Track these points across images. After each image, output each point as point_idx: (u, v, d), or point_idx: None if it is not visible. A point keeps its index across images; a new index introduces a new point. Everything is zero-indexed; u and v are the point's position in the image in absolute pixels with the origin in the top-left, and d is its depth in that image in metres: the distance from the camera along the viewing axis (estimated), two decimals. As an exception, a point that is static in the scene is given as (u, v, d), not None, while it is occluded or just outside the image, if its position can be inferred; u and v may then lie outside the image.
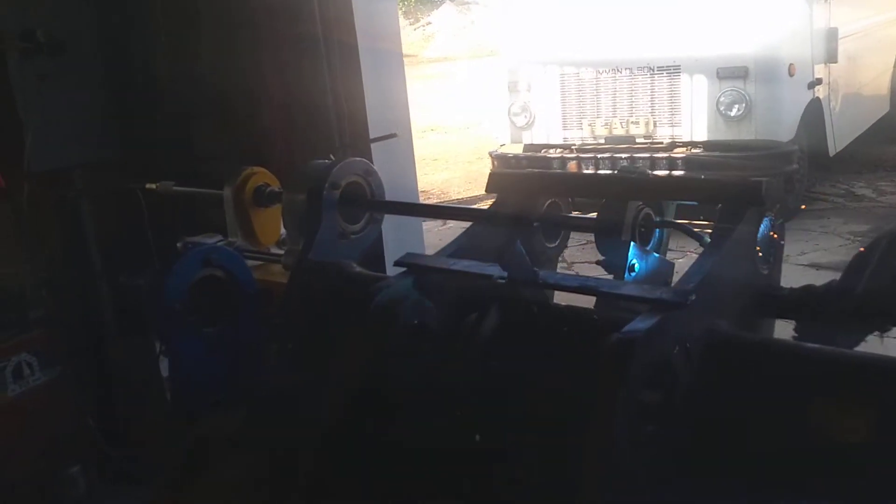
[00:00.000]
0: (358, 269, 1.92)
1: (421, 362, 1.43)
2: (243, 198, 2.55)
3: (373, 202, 2.16)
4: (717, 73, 6.86)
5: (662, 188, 1.61)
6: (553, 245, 1.91)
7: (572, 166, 7.73)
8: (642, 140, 7.39)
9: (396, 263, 1.58)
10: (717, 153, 6.94)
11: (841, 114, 7.95)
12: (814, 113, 7.39)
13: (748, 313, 1.58)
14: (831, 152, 7.84)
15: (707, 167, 6.99)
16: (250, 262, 2.65)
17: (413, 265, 1.55)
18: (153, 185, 3.06)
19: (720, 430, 1.35)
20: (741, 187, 1.53)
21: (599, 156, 7.50)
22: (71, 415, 3.64)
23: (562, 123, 7.75)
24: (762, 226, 1.57)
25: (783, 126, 6.95)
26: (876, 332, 1.51)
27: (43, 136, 4.08)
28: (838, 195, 8.00)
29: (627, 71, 7.32)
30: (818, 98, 7.39)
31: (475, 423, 1.35)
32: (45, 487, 3.66)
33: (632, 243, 1.65)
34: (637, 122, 7.35)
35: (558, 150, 7.86)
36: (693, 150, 7.14)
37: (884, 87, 9.73)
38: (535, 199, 1.84)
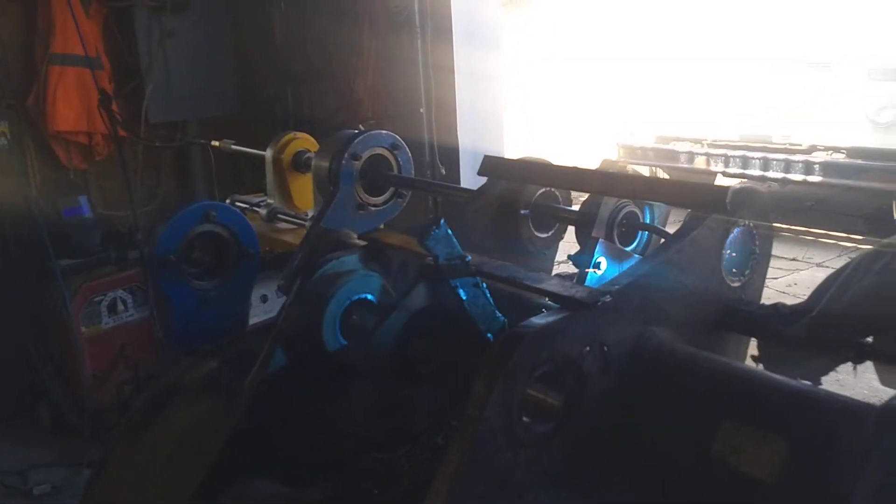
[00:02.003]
0: (354, 240, 1.97)
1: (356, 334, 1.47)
2: (282, 162, 2.67)
3: (392, 177, 2.21)
4: (869, 73, 6.30)
5: (632, 187, 1.54)
6: (545, 235, 1.88)
7: (700, 162, 7.41)
8: (780, 140, 6.95)
9: (360, 237, 1.63)
10: (859, 161, 6.41)
11: None
12: (980, 125, 6.62)
13: (710, 326, 1.50)
14: None
15: (846, 174, 6.48)
16: (286, 226, 2.78)
17: (370, 239, 1.59)
18: (217, 143, 3.25)
19: (627, 440, 1.30)
20: (705, 192, 1.44)
21: (730, 153, 7.14)
22: (158, 351, 3.97)
23: (694, 116, 7.42)
24: (732, 235, 1.48)
25: (939, 137, 6.29)
26: (849, 362, 1.39)
27: (162, 90, 4.43)
28: None
29: (772, 64, 6.88)
30: None
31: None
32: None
33: (599, 241, 1.60)
34: (775, 121, 6.91)
35: (688, 143, 7.55)
36: (834, 155, 6.63)
37: None
38: (523, 187, 1.81)
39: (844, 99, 6.48)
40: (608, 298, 1.26)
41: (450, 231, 1.34)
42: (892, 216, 6.69)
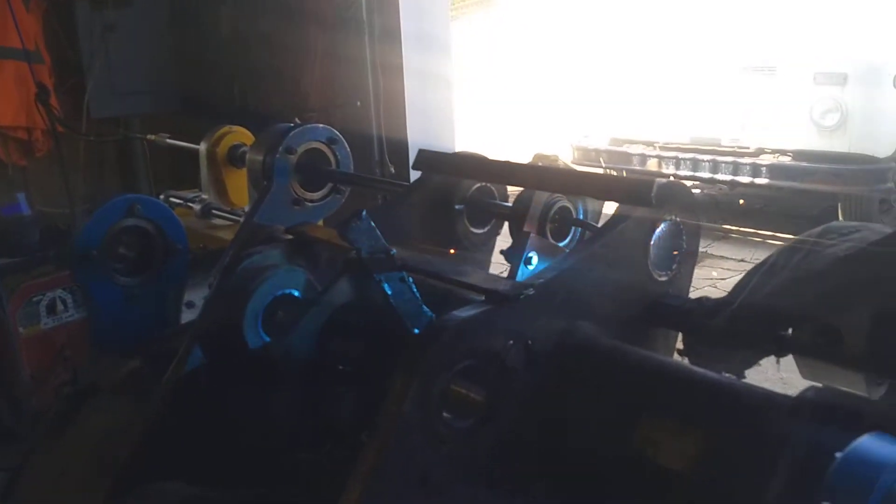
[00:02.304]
0: (283, 235, 1.94)
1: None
2: (217, 156, 2.62)
3: (329, 171, 2.18)
4: (815, 77, 6.44)
5: (561, 181, 1.54)
6: (481, 231, 1.87)
7: (652, 164, 7.50)
8: (728, 143, 7.06)
9: (286, 231, 1.59)
10: (805, 163, 6.54)
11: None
12: (922, 129, 6.81)
13: (637, 321, 1.50)
14: (942, 174, 7.21)
15: (793, 177, 6.61)
16: (221, 222, 2.73)
17: (296, 232, 1.55)
18: (153, 137, 3.18)
19: (552, 435, 1.29)
20: (631, 187, 1.44)
21: (681, 156, 7.24)
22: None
23: (647, 119, 7.51)
24: (658, 230, 1.48)
25: (882, 141, 6.45)
26: (772, 355, 1.40)
27: (104, 85, 4.33)
28: (945, 221, 7.36)
29: (720, 69, 6.99)
30: (930, 113, 6.80)
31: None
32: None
33: (530, 236, 1.59)
34: (724, 125, 7.02)
35: (641, 146, 7.64)
36: (780, 158, 6.76)
37: None
38: (458, 181, 1.80)
39: (791, 103, 6.61)
40: (531, 292, 1.25)
41: (372, 223, 1.31)
42: (838, 217, 6.85)
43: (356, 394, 1.36)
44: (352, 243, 1.31)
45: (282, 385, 1.35)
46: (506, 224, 1.84)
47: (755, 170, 6.76)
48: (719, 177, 6.97)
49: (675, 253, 1.52)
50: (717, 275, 6.14)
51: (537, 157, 1.70)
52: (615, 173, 7.89)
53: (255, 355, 1.42)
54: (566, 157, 8.19)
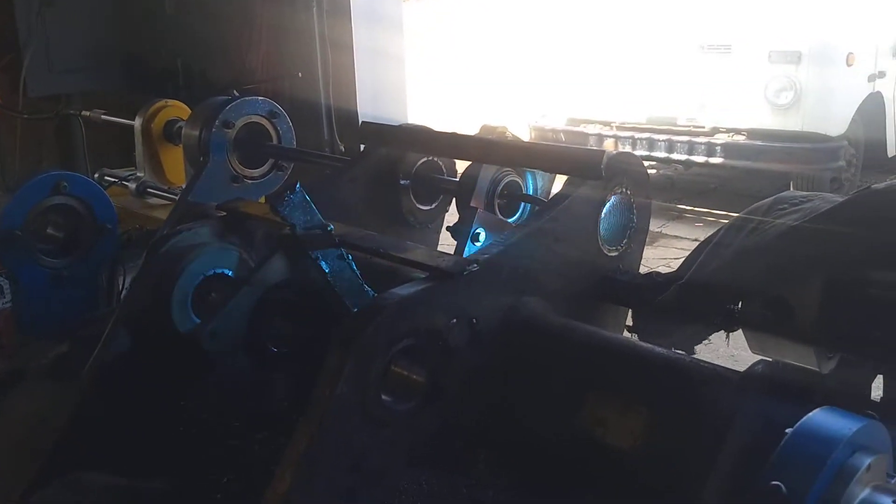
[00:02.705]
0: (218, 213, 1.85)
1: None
2: (152, 132, 2.51)
3: (269, 147, 2.09)
4: (769, 56, 6.47)
5: (509, 153, 1.48)
6: (427, 208, 1.80)
7: (608, 144, 7.50)
8: (684, 123, 7.08)
9: (218, 207, 1.51)
10: (759, 142, 6.58)
11: (907, 112, 7.41)
12: (873, 108, 6.90)
13: (586, 296, 1.45)
14: (890, 152, 7.34)
15: (747, 156, 6.65)
16: (157, 201, 2.63)
17: (229, 209, 1.47)
18: (87, 113, 3.06)
19: (497, 416, 1.24)
20: (581, 159, 1.39)
21: (637, 136, 7.23)
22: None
23: (604, 99, 7.49)
24: (608, 204, 1.43)
25: (834, 119, 6.52)
26: (721, 331, 1.37)
27: (42, 62, 4.15)
28: (893, 199, 7.49)
29: (676, 49, 6.99)
30: (879, 93, 6.89)
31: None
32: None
33: (478, 212, 1.53)
34: (680, 104, 7.03)
35: (598, 125, 7.62)
36: (735, 137, 6.79)
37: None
38: (403, 155, 1.73)
39: (746, 81, 6.64)
40: (475, 268, 1.19)
41: (307, 197, 1.24)
42: (790, 196, 6.91)
43: (292, 378, 1.29)
44: (285, 218, 1.24)
45: (212, 370, 1.28)
46: (454, 200, 1.79)
47: (710, 149, 6.78)
48: (675, 156, 6.99)
49: (626, 227, 1.48)
50: (671, 254, 6.17)
51: (484, 129, 1.63)
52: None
53: (185, 339, 1.34)
54: (523, 136, 8.16)
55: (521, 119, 8.15)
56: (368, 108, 3.78)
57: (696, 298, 1.26)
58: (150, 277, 1.36)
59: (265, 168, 2.11)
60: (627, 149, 7.27)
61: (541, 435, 1.21)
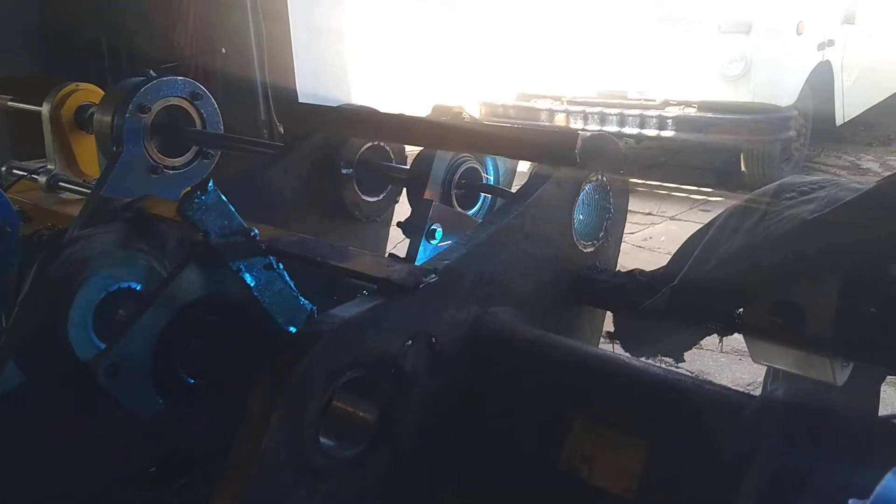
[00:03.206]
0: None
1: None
2: (62, 119, 2.24)
3: (192, 132, 1.85)
4: (719, 27, 6.36)
5: (467, 138, 1.28)
6: (374, 199, 1.59)
7: (560, 119, 7.34)
8: (635, 96, 6.95)
9: (123, 208, 1.27)
10: (710, 114, 6.49)
11: (854, 80, 7.40)
12: (822, 77, 6.87)
13: (560, 300, 1.26)
14: (839, 121, 7.33)
15: (698, 129, 6.56)
16: (71, 196, 2.36)
17: (136, 209, 1.24)
18: (-8, 99, 2.75)
19: (462, 450, 1.05)
20: (552, 141, 1.19)
21: (588, 110, 7.08)
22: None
23: (554, 73, 7.32)
24: (583, 192, 1.24)
25: (784, 89, 6.46)
26: (714, 335, 1.19)
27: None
28: (841, 167, 7.52)
29: (625, 21, 6.85)
30: (828, 61, 6.86)
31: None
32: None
33: (433, 204, 1.33)
34: (631, 77, 6.89)
35: (549, 100, 7.45)
36: (686, 110, 6.69)
37: (907, 54, 9.12)
38: (344, 141, 1.51)
39: (696, 53, 6.53)
40: (434, 278, 0.99)
41: (223, 197, 1.02)
42: (741, 168, 6.87)
43: (214, 412, 1.08)
44: (196, 224, 1.02)
45: (118, 406, 1.06)
46: (404, 191, 1.58)
47: (661, 122, 6.67)
48: (626, 130, 6.87)
49: (602, 217, 1.29)
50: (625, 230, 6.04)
51: (438, 109, 1.42)
52: (523, 129, 7.72)
53: (85, 368, 1.11)
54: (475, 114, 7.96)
55: (471, 95, 7.95)
56: (308, 85, 3.53)
57: (693, 302, 1.08)
58: (41, 295, 1.13)
59: (188, 156, 1.87)
60: (579, 123, 7.13)
61: (514, 474, 1.02)
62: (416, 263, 1.29)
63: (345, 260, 1.06)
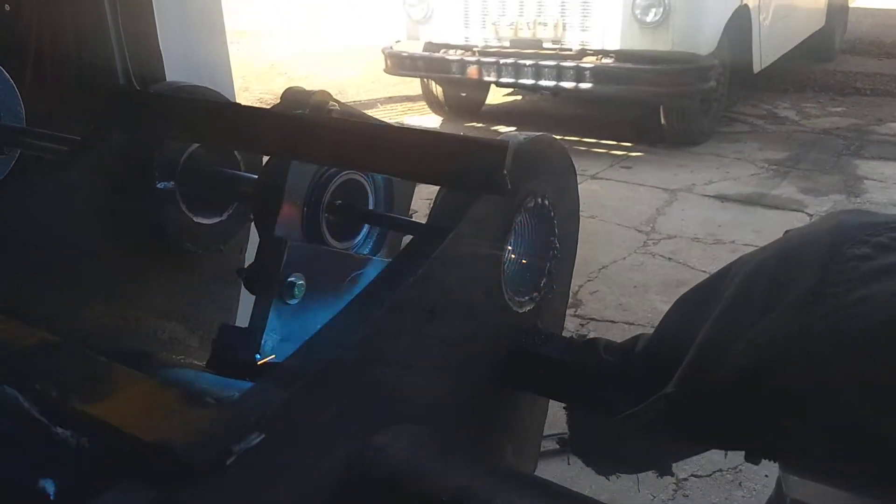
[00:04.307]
0: None
1: None
2: None
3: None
4: (636, -31, 5.99)
5: (334, 146, 0.81)
6: (212, 221, 1.11)
7: (472, 72, 6.87)
8: (550, 45, 6.53)
9: None
10: (629, 64, 6.14)
11: (771, 25, 7.20)
12: (740, 23, 6.61)
13: (486, 391, 0.83)
14: (756, 68, 7.13)
15: (617, 80, 6.21)
16: None
17: None
18: None
19: None
20: (466, 154, 0.74)
21: (502, 61, 6.63)
22: None
23: (464, 21, 6.81)
24: (517, 226, 0.81)
25: (704, 37, 6.16)
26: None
27: None
28: (759, 116, 7.35)
29: (538, -38, 6.39)
30: (746, 6, 6.60)
31: None
32: None
33: (288, 244, 0.86)
34: (545, 24, 6.46)
35: (458, 51, 6.96)
36: (604, 60, 6.32)
37: (821, -2, 9.02)
38: (158, 141, 1.02)
39: (612, -1, 6.15)
40: (256, 441, 0.53)
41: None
42: (661, 121, 6.60)
43: None
44: None
45: None
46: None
47: (579, 74, 6.28)
48: (543, 83, 6.46)
49: (546, 257, 0.86)
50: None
51: (290, 95, 0.92)
52: (434, 84, 7.23)
53: None
54: (379, 66, 7.42)
55: (375, 44, 7.39)
56: (173, 39, 2.93)
57: (706, 419, 0.67)
58: None
59: (-36, 155, 1.33)
60: (492, 76, 6.68)
61: None
62: (266, 339, 0.84)
63: (90, 399, 0.58)
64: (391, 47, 7.23)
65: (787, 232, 0.77)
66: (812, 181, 5.38)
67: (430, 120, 7.27)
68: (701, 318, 0.70)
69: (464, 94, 7.40)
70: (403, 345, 0.69)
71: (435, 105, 7.45)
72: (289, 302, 0.87)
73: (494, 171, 0.71)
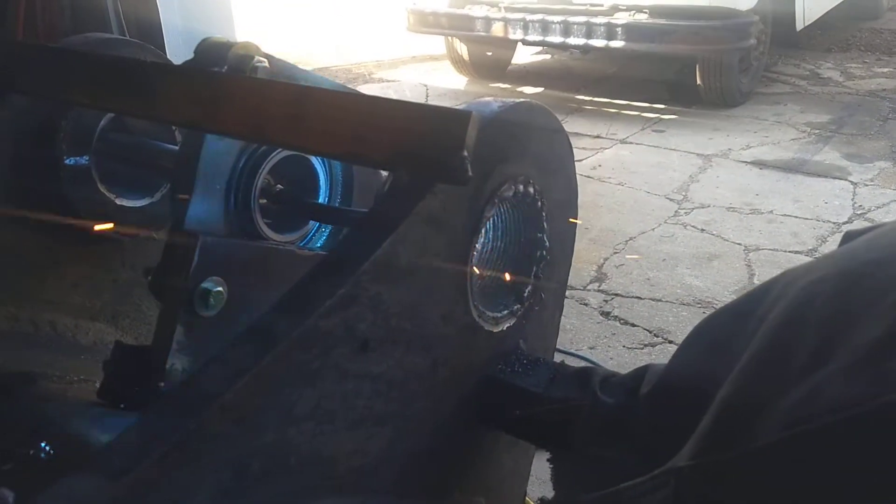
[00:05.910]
0: None
1: None
2: None
3: None
4: (673, -82, 5.65)
5: (257, 116, 0.61)
6: (139, 203, 0.92)
7: (498, 29, 6.59)
8: (581, 2, 6.22)
9: None
10: (663, 21, 5.82)
11: (817, -22, 6.81)
12: (783, -24, 6.26)
13: (450, 434, 0.64)
14: (799, 25, 6.75)
15: (651, 38, 5.91)
16: None
17: None
18: None
19: None
20: (412, 128, 0.54)
21: (529, 18, 6.34)
22: None
23: (489, -25, 6.52)
24: (490, 217, 0.61)
25: (744, -10, 5.83)
26: None
27: None
28: (801, 77, 6.98)
29: (568, -88, 6.06)
30: (790, -42, 6.23)
31: None
32: None
33: (200, 239, 0.67)
34: (574, -22, 6.15)
35: (485, 7, 6.67)
36: (636, 16, 6.01)
37: (871, -49, 8.53)
38: (62, 106, 0.83)
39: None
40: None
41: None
42: (696, 81, 6.28)
43: None
44: None
45: None
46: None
47: (610, 31, 5.99)
48: (571, 41, 6.17)
49: (531, 259, 0.66)
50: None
51: (206, 46, 0.72)
52: (458, 42, 6.96)
53: None
54: (401, 24, 7.16)
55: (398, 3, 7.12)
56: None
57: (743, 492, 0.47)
58: None
59: None
60: (519, 33, 6.40)
61: None
62: (173, 361, 0.66)
63: None
64: (414, 3, 6.97)
65: (846, 234, 0.57)
66: (856, 146, 5.06)
67: (454, 79, 7.02)
68: (730, 356, 0.51)
69: (489, 53, 7.12)
70: (320, 391, 0.50)
71: (459, 64, 7.18)
72: (202, 314, 0.68)
73: (451, 152, 0.51)
